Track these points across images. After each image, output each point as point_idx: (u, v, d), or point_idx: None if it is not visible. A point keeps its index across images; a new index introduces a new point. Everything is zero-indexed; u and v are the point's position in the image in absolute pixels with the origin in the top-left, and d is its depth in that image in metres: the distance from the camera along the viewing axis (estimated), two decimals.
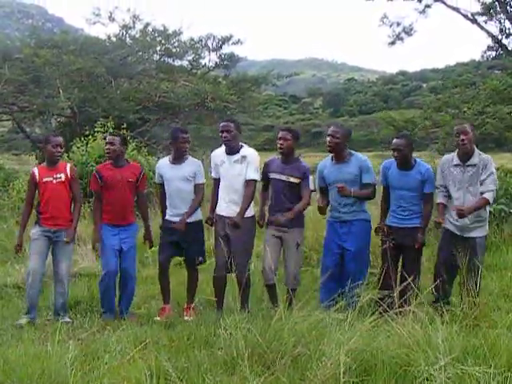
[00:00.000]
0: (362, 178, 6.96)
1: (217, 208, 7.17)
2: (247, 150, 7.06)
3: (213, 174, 7.28)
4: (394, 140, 6.91)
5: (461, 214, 6.41)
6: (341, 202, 6.97)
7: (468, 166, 6.61)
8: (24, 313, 7.09)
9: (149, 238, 7.53)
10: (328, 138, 6.94)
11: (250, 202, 6.96)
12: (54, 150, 7.11)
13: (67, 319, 6.97)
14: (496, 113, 22.05)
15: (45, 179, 7.10)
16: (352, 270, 6.87)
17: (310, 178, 7.03)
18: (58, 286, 7.18)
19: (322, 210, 7.26)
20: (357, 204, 6.99)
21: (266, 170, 7.20)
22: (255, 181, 6.97)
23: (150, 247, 7.72)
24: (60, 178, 7.13)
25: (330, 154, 7.13)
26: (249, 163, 6.95)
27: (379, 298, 5.72)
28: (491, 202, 6.62)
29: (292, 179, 6.98)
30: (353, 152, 7.10)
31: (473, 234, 6.65)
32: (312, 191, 7.08)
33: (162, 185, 7.40)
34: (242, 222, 6.81)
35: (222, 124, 7.06)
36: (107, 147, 7.29)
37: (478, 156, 6.61)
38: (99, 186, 7.26)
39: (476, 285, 6.18)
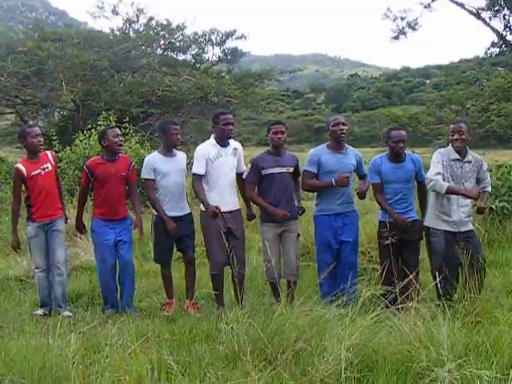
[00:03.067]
0: (360, 170, 7.23)
1: (214, 204, 6.85)
2: (235, 142, 7.14)
3: (199, 170, 6.86)
4: (397, 132, 6.87)
5: (483, 210, 6.82)
6: (337, 194, 6.97)
7: (466, 162, 6.66)
8: (39, 306, 7.21)
9: (140, 226, 7.29)
10: (341, 127, 6.94)
11: None
12: (35, 140, 7.01)
13: (68, 313, 6.97)
14: (500, 110, 22.00)
15: (33, 173, 7.00)
16: (352, 261, 6.98)
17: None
18: (56, 274, 7.15)
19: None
20: (350, 196, 7.10)
21: (259, 168, 7.01)
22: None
23: (141, 235, 7.43)
24: (48, 167, 7.10)
25: (326, 143, 7.18)
26: (239, 156, 7.11)
27: (381, 293, 5.72)
28: None
29: (291, 170, 7.08)
30: (345, 143, 7.20)
31: (470, 227, 6.73)
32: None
33: (153, 180, 7.17)
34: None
35: (226, 116, 6.94)
36: (121, 144, 7.18)
37: (472, 154, 6.74)
38: (89, 181, 7.14)
39: (480, 281, 6.18)
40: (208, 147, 6.97)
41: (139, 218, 7.29)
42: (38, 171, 7.02)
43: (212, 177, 6.91)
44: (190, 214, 7.34)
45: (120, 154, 7.33)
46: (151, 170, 7.15)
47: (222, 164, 6.92)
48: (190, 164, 7.38)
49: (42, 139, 7.12)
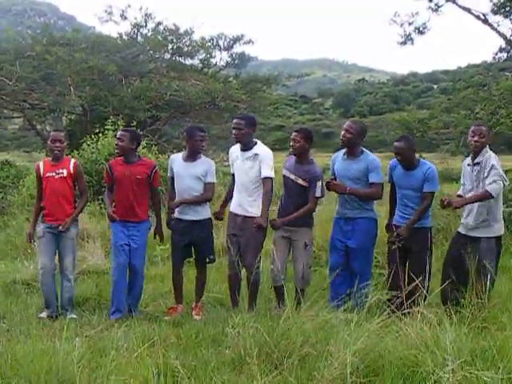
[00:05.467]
0: (369, 176, 6.97)
1: (230, 205, 7.17)
2: (260, 148, 7.02)
3: (231, 170, 7.33)
4: (395, 143, 6.87)
5: (449, 204, 6.51)
6: (347, 199, 6.99)
7: (475, 164, 6.65)
8: (43, 308, 7.23)
9: (159, 232, 7.46)
10: (342, 132, 6.98)
11: (270, 200, 6.91)
12: (53, 144, 7.11)
13: (73, 315, 7.02)
14: (510, 113, 21.83)
15: (47, 174, 7.13)
16: (356, 268, 6.93)
17: (319, 184, 6.94)
18: (64, 280, 7.22)
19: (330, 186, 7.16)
20: (361, 202, 7.01)
21: (283, 166, 7.22)
22: (271, 178, 6.90)
23: (161, 240, 7.66)
24: (62, 173, 7.13)
25: (345, 149, 7.16)
26: (261, 161, 6.90)
27: (387, 298, 5.72)
28: (494, 195, 6.38)
29: (300, 181, 6.96)
30: (365, 150, 7.10)
31: (477, 234, 6.61)
32: (319, 197, 7.08)
33: (172, 179, 7.38)
34: (264, 223, 6.82)
35: (234, 121, 7.05)
36: (116, 143, 7.30)
37: (484, 155, 6.61)
38: (111, 180, 7.27)
39: (484, 288, 6.15)
40: (233, 149, 7.27)
41: (159, 225, 7.43)
42: (52, 174, 7.12)
43: (235, 178, 7.19)
44: (208, 219, 7.34)
45: (143, 158, 7.55)
46: (171, 169, 7.39)
47: (238, 166, 7.08)
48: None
49: (60, 145, 7.16)
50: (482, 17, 21.51)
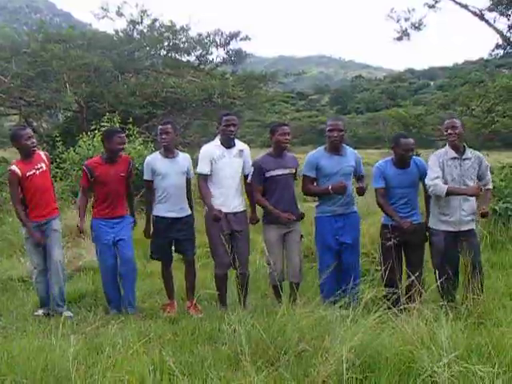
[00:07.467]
0: (358, 170, 7.18)
1: (217, 205, 6.91)
2: (242, 144, 7.16)
3: (203, 170, 6.94)
4: (406, 140, 6.82)
5: (486, 214, 6.66)
6: (337, 195, 6.92)
7: (465, 159, 6.64)
8: (39, 306, 7.25)
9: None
10: (333, 134, 6.89)
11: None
12: (29, 142, 6.98)
13: (69, 313, 7.01)
14: (506, 110, 21.88)
15: (28, 173, 6.97)
16: (352, 262, 6.96)
17: None
18: (53, 274, 7.14)
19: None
20: (350, 197, 7.07)
21: (262, 171, 6.98)
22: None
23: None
24: (42, 167, 7.08)
25: (323, 146, 7.17)
26: (246, 157, 7.08)
27: (383, 295, 5.73)
28: None
29: (293, 170, 7.12)
30: (343, 144, 7.14)
31: (470, 227, 6.71)
32: None
33: (151, 182, 7.22)
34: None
35: (228, 117, 6.96)
36: (121, 147, 7.16)
37: (470, 151, 6.73)
38: (89, 182, 7.15)
39: (480, 282, 6.20)
40: (212, 147, 7.03)
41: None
42: (32, 171, 7.01)
43: (216, 177, 6.95)
44: (190, 215, 7.32)
45: (120, 155, 7.31)
46: (150, 172, 7.19)
47: (225, 165, 6.94)
48: (195, 165, 7.34)
49: (34, 140, 7.11)
50: (479, 13, 21.53)
